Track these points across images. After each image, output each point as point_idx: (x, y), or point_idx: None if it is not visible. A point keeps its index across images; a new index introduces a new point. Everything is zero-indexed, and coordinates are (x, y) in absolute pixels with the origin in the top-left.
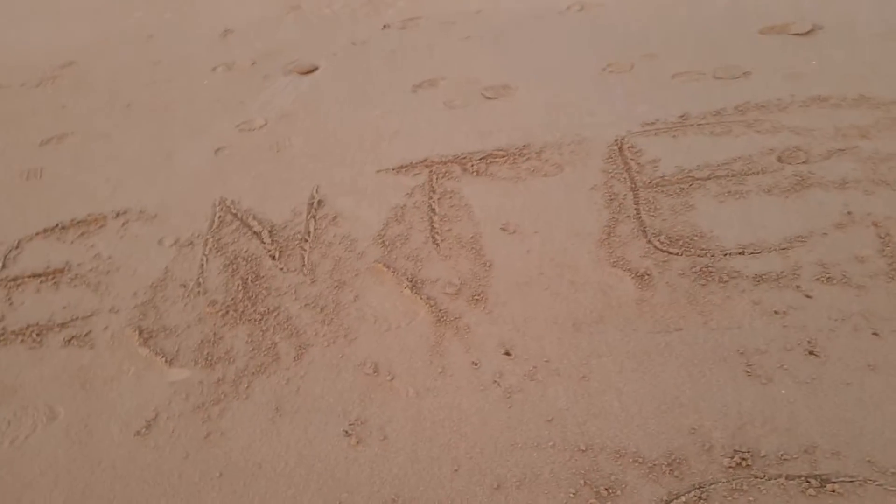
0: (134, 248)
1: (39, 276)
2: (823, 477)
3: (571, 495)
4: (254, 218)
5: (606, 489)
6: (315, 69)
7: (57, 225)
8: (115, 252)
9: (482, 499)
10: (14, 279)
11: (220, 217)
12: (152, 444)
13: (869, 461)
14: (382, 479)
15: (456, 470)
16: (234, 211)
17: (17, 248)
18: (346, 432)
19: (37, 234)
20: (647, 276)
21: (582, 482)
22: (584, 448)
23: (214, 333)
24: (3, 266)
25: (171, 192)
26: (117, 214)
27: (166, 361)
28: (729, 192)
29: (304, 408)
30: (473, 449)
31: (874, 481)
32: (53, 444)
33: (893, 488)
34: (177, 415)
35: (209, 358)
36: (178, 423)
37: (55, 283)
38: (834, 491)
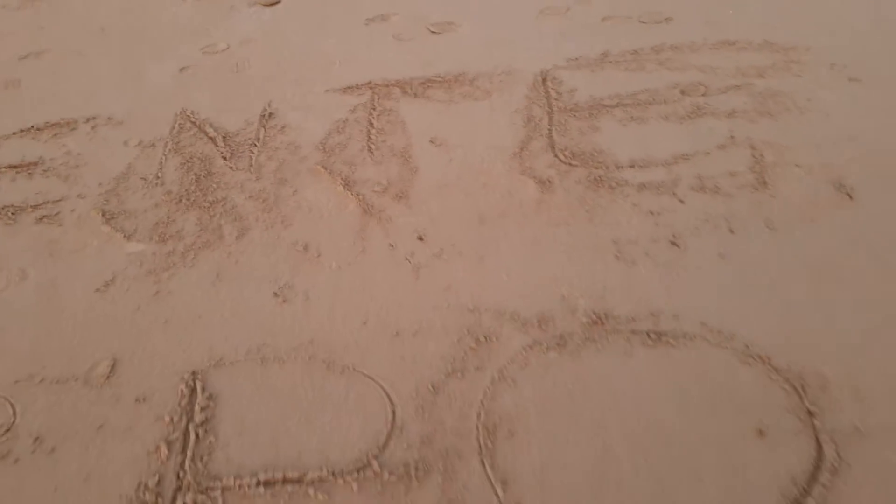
0: (101, 148)
1: (15, 167)
2: (661, 332)
3: (456, 341)
4: (210, 126)
5: (485, 337)
6: (278, 2)
7: (32, 127)
8: (84, 150)
9: (383, 343)
10: None
11: (180, 124)
12: (109, 298)
13: (702, 323)
14: (301, 328)
15: (364, 322)
16: (193, 120)
17: None
18: (275, 294)
19: (13, 133)
20: (548, 183)
21: (466, 332)
22: (472, 308)
23: (168, 217)
24: None
25: (138, 103)
26: (87, 119)
27: (125, 237)
28: (632, 117)
29: (240, 275)
30: (381, 308)
31: (703, 337)
32: (23, 297)
33: (715, 342)
34: (131, 277)
35: (162, 235)
36: (133, 284)
37: (29, 173)
38: (668, 343)
